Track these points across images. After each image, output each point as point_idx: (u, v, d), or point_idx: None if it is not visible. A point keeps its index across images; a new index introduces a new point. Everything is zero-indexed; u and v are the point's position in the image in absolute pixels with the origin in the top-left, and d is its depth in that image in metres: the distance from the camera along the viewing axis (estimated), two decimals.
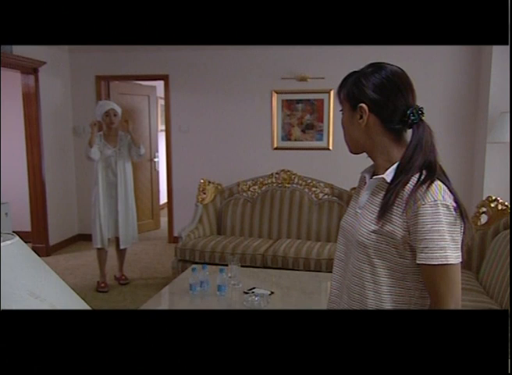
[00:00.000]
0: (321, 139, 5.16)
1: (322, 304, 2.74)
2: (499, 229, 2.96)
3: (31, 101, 4.97)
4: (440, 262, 1.06)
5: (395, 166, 1.16)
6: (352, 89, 1.19)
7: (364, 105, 1.16)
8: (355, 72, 1.21)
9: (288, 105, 5.19)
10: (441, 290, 1.09)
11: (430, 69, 4.76)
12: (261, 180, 4.40)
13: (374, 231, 1.14)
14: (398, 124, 1.16)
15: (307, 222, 4.18)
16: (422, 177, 1.10)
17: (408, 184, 1.11)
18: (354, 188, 4.06)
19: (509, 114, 3.92)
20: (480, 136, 4.58)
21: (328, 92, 5.01)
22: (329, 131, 5.11)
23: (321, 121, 5.13)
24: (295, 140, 5.23)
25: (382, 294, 1.16)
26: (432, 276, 1.09)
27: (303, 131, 5.20)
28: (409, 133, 1.18)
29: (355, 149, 1.25)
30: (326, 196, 4.24)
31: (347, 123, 1.23)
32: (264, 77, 5.18)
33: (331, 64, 4.92)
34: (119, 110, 4.05)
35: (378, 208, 1.15)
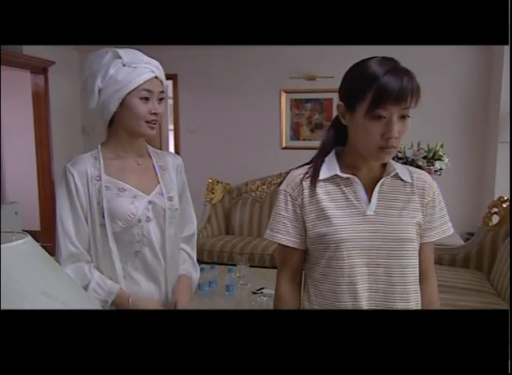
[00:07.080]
0: None
1: None
2: None
3: (41, 101, 5.00)
4: (452, 231, 1.18)
5: (392, 162, 1.17)
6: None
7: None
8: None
9: (297, 105, 5.17)
10: (431, 261, 1.19)
11: (440, 69, 4.71)
12: (270, 179, 4.40)
13: (413, 224, 1.12)
14: None
15: None
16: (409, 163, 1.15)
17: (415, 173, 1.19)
18: None
19: (509, 114, 3.89)
20: (491, 135, 4.53)
21: (337, 91, 4.97)
22: None
23: (330, 120, 5.10)
24: (303, 139, 5.21)
25: (409, 294, 1.13)
26: (432, 250, 1.19)
27: (311, 131, 5.18)
28: None
29: None
30: None
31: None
32: (273, 76, 5.17)
33: (340, 63, 4.84)
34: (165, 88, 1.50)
35: (402, 204, 1.13)
